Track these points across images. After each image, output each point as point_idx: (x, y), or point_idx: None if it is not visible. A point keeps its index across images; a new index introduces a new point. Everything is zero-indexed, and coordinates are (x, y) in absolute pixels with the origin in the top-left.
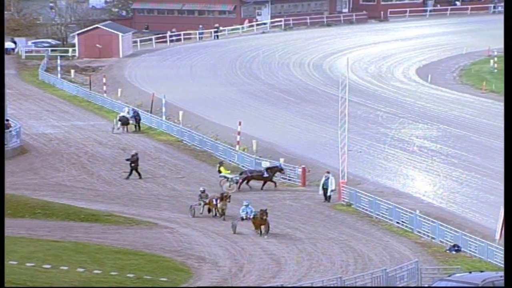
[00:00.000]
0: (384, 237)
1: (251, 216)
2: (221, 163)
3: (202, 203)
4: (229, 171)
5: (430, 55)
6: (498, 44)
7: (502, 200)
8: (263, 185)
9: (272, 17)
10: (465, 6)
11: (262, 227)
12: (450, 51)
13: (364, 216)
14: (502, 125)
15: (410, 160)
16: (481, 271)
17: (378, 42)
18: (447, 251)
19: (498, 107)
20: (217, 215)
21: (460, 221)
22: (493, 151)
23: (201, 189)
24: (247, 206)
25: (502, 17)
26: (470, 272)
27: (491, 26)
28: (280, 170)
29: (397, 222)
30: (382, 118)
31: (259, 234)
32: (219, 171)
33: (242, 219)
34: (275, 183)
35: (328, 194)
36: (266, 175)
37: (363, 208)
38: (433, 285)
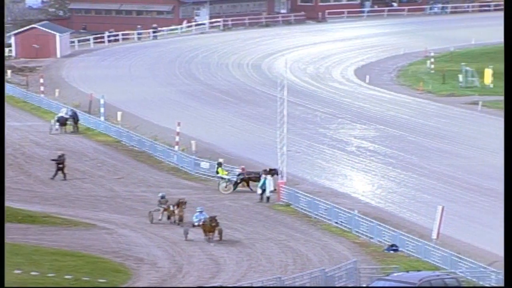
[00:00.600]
0: (322, 237)
1: (201, 223)
2: (219, 164)
3: (161, 209)
4: (226, 172)
5: (368, 56)
6: (435, 45)
7: (438, 200)
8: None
9: (210, 18)
10: (402, 7)
11: (212, 233)
12: (388, 52)
13: (302, 216)
14: (438, 125)
15: (348, 160)
16: (418, 271)
17: (316, 43)
18: (385, 251)
19: (434, 107)
20: (176, 221)
21: (397, 220)
22: (429, 151)
23: (161, 194)
24: (200, 212)
25: (438, 18)
26: (408, 272)
27: (427, 27)
28: (276, 173)
29: (336, 222)
30: (320, 118)
31: (208, 241)
32: (217, 172)
33: (193, 225)
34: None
35: (267, 195)
36: (263, 176)
37: (302, 208)
38: (371, 285)
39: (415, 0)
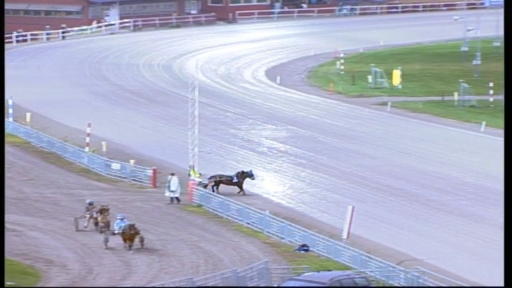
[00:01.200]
0: (234, 237)
1: (120, 231)
2: (191, 167)
3: (88, 216)
4: (198, 175)
5: (278, 57)
6: (344, 46)
7: (348, 200)
8: (240, 190)
9: (120, 18)
10: (311, 9)
11: (131, 241)
12: (298, 53)
13: (214, 217)
14: (348, 126)
15: (259, 161)
16: (329, 270)
17: (227, 44)
18: (296, 251)
19: (344, 108)
20: (101, 229)
21: (308, 221)
22: (339, 152)
23: (88, 201)
24: (121, 219)
25: (347, 19)
26: (318, 271)
27: (337, 28)
28: (250, 175)
29: (247, 223)
30: (231, 119)
31: (127, 249)
32: (189, 175)
33: (113, 233)
34: (242, 190)
35: (172, 195)
36: (235, 180)
37: (213, 209)
38: (283, 285)
39: (324, 1)
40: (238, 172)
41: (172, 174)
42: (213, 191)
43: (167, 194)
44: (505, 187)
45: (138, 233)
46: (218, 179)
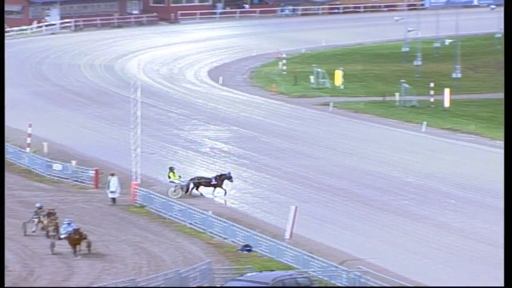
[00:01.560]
0: (176, 238)
1: (67, 235)
2: (171, 169)
3: (36, 221)
4: (178, 177)
5: (221, 57)
6: (286, 47)
7: (291, 200)
8: (213, 191)
9: (61, 18)
10: (253, 9)
11: (78, 246)
12: (241, 53)
13: (157, 218)
14: (290, 126)
15: (202, 161)
16: (272, 270)
17: (169, 44)
18: (239, 251)
19: (287, 108)
20: (49, 233)
21: (251, 221)
22: (282, 152)
23: (38, 205)
24: (68, 224)
25: (289, 20)
26: (261, 272)
27: (279, 29)
28: (229, 178)
29: (190, 223)
30: (174, 119)
31: (74, 254)
32: (169, 177)
33: (59, 238)
34: (225, 190)
35: (112, 196)
36: (213, 182)
37: (156, 210)
38: (225, 285)
39: (266, 2)
40: (217, 175)
41: (112, 175)
42: (187, 193)
43: (108, 194)
44: (505, 187)
45: (85, 238)
46: (197, 181)
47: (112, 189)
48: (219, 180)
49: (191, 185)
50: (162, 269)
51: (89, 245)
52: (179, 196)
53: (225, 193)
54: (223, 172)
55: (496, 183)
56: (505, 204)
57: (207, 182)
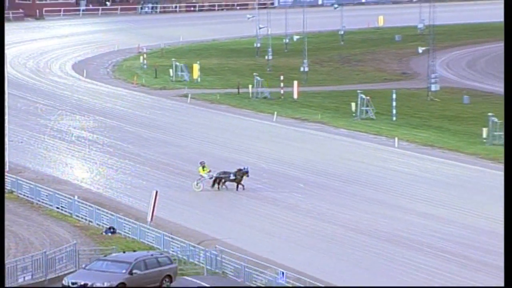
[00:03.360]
0: (44, 221)
1: None
2: (201, 164)
3: None
4: (207, 171)
5: (84, 52)
6: (147, 42)
7: (153, 185)
8: (237, 186)
9: None
10: (115, 7)
11: None
12: (103, 48)
13: (25, 203)
14: (153, 116)
15: (68, 149)
16: (134, 251)
17: (35, 39)
18: (104, 233)
19: (148, 99)
20: None
21: (116, 205)
22: (145, 140)
23: None
24: None
25: (149, 17)
26: (124, 252)
27: (140, 25)
28: (246, 172)
29: (57, 207)
30: (41, 110)
31: None
32: (199, 171)
33: None
34: (243, 185)
35: None
36: (232, 177)
37: (24, 195)
38: (90, 265)
39: (127, 0)
40: (237, 170)
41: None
42: (212, 187)
43: None
44: (505, 187)
45: None
46: (220, 176)
47: None
48: (238, 175)
49: (215, 180)
50: (30, 251)
51: None
52: (200, 189)
53: (243, 188)
54: (240, 167)
55: (340, 168)
56: (505, 204)
57: (226, 177)
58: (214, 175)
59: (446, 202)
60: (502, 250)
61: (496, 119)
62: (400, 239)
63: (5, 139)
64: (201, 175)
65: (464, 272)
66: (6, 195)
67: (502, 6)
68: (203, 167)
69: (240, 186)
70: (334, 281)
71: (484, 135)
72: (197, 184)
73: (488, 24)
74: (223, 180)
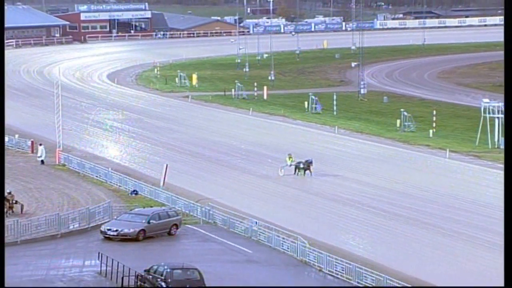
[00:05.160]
0: (87, 186)
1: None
2: (289, 155)
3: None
4: (292, 161)
5: (115, 66)
6: (160, 59)
7: (164, 160)
8: (304, 172)
9: (6, 39)
10: (137, 34)
11: (11, 209)
12: (129, 63)
13: (74, 173)
14: (164, 111)
15: (104, 135)
16: (151, 207)
17: (80, 57)
18: (130, 195)
19: (161, 99)
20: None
21: (138, 175)
22: (159, 129)
23: (8, 190)
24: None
25: (161, 41)
26: (144, 207)
27: (155, 47)
28: (310, 163)
29: (97, 176)
30: (85, 107)
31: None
32: (286, 161)
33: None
34: (311, 172)
35: (40, 159)
36: (302, 166)
37: (73, 167)
38: (119, 217)
39: (145, 29)
40: (305, 161)
41: (40, 144)
42: (295, 173)
43: (39, 158)
44: (505, 186)
45: (16, 201)
46: (297, 164)
47: (39, 154)
48: (306, 164)
49: (295, 168)
50: (78, 207)
51: (22, 208)
52: (282, 175)
53: (310, 173)
54: (307, 159)
55: (297, 148)
56: (505, 203)
57: (298, 166)
58: (294, 164)
59: (372, 172)
60: (407, 205)
61: (406, 113)
62: (340, 198)
63: (4, 139)
64: (287, 164)
65: (382, 221)
66: (60, 167)
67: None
68: (290, 157)
69: (307, 172)
70: (290, 226)
71: (398, 125)
72: (280, 171)
73: (400, 46)
74: (297, 168)
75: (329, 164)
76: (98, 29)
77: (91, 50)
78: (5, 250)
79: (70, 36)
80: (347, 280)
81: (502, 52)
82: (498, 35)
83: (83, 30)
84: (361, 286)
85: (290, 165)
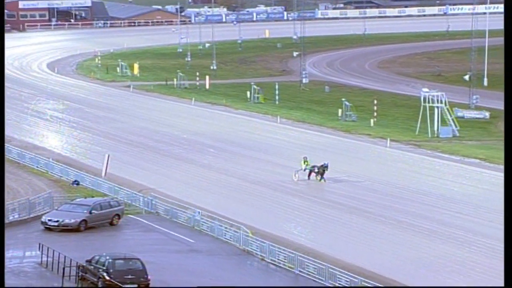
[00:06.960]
0: (28, 176)
1: None
2: (304, 158)
3: None
4: (307, 164)
5: (55, 55)
6: (100, 48)
7: (106, 150)
8: (320, 178)
9: None
10: (77, 23)
11: None
12: (69, 52)
13: (14, 163)
14: (105, 101)
15: (44, 124)
16: (92, 197)
17: (19, 46)
18: (71, 185)
19: (102, 89)
20: None
21: (79, 165)
22: (100, 118)
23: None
24: None
25: (102, 30)
26: (85, 198)
27: (95, 36)
28: (325, 167)
29: (37, 167)
30: (25, 97)
31: None
32: (301, 165)
33: None
34: (324, 178)
35: None
36: (316, 170)
37: (13, 158)
38: (60, 208)
39: (85, 17)
40: (320, 165)
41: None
42: (309, 178)
43: None
44: (505, 186)
45: None
46: (312, 168)
47: None
48: (320, 168)
49: (310, 172)
50: (17, 197)
51: None
52: (296, 179)
53: (324, 180)
54: (323, 163)
55: (239, 137)
56: (505, 202)
57: (313, 170)
58: (309, 168)
59: (314, 161)
60: (348, 193)
61: (347, 103)
62: (277, 186)
63: (4, 138)
64: (301, 168)
65: (324, 210)
66: None
67: (352, 22)
68: (305, 161)
69: (322, 176)
70: (230, 215)
71: (339, 114)
72: (294, 175)
73: (341, 36)
74: (312, 172)
75: (272, 153)
76: (37, 18)
77: (30, 39)
78: (5, 250)
79: (8, 25)
80: (290, 268)
81: (441, 42)
82: (437, 25)
83: (21, 19)
84: (312, 279)
85: (305, 169)
